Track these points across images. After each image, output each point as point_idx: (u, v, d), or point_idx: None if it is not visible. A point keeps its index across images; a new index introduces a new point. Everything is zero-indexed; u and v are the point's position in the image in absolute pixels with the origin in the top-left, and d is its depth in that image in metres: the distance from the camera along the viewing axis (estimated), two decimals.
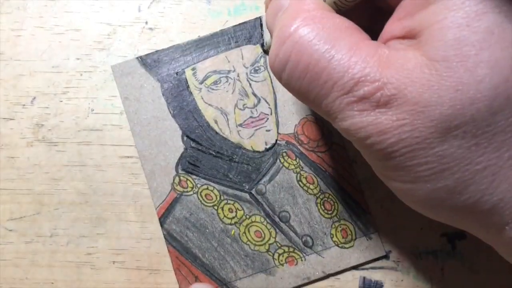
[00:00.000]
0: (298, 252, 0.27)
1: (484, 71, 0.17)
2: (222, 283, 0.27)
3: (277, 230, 0.28)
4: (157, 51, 0.29)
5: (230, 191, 0.28)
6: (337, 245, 0.28)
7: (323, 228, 0.28)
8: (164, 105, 0.29)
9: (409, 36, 0.19)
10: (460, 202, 0.18)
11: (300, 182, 0.28)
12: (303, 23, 0.19)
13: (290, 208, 0.28)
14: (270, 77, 0.29)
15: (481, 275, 0.27)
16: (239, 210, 0.28)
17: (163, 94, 0.29)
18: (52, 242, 0.28)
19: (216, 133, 0.28)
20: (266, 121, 0.28)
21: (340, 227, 0.28)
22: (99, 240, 0.28)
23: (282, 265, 0.27)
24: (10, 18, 0.29)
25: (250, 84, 0.29)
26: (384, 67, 0.18)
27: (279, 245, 0.28)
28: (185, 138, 0.28)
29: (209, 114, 0.29)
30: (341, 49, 0.18)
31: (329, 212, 0.28)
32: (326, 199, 0.28)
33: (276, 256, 0.27)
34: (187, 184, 0.28)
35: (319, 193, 0.28)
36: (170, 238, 0.28)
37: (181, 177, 0.28)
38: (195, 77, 0.29)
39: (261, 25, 0.29)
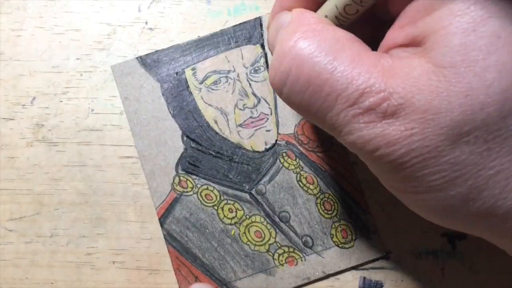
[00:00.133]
0: (298, 252, 0.27)
1: (493, 75, 0.16)
2: (222, 283, 0.27)
3: (277, 230, 0.28)
4: (157, 51, 0.29)
5: (230, 191, 0.28)
6: (337, 245, 0.27)
7: (323, 228, 0.28)
8: (164, 105, 0.29)
9: (413, 43, 0.18)
10: (474, 209, 0.18)
11: (300, 182, 0.28)
12: (303, 36, 0.19)
13: (290, 208, 0.28)
14: None
15: (481, 275, 0.27)
16: (239, 210, 0.28)
17: (163, 94, 0.29)
18: (52, 242, 0.28)
19: (216, 133, 0.28)
20: (266, 121, 0.28)
21: (340, 227, 0.28)
22: (99, 240, 0.28)
23: (282, 265, 0.27)
24: (10, 18, 0.29)
25: (250, 84, 0.29)
26: (389, 77, 0.18)
27: (279, 245, 0.28)
28: (185, 138, 0.28)
29: (209, 114, 0.29)
30: (343, 61, 0.18)
31: (329, 212, 0.28)
32: (326, 199, 0.28)
33: (276, 256, 0.27)
34: (187, 184, 0.28)
35: (319, 193, 0.28)
36: (170, 238, 0.28)
37: (181, 177, 0.28)
38: (195, 77, 0.29)
39: (261, 25, 0.29)
